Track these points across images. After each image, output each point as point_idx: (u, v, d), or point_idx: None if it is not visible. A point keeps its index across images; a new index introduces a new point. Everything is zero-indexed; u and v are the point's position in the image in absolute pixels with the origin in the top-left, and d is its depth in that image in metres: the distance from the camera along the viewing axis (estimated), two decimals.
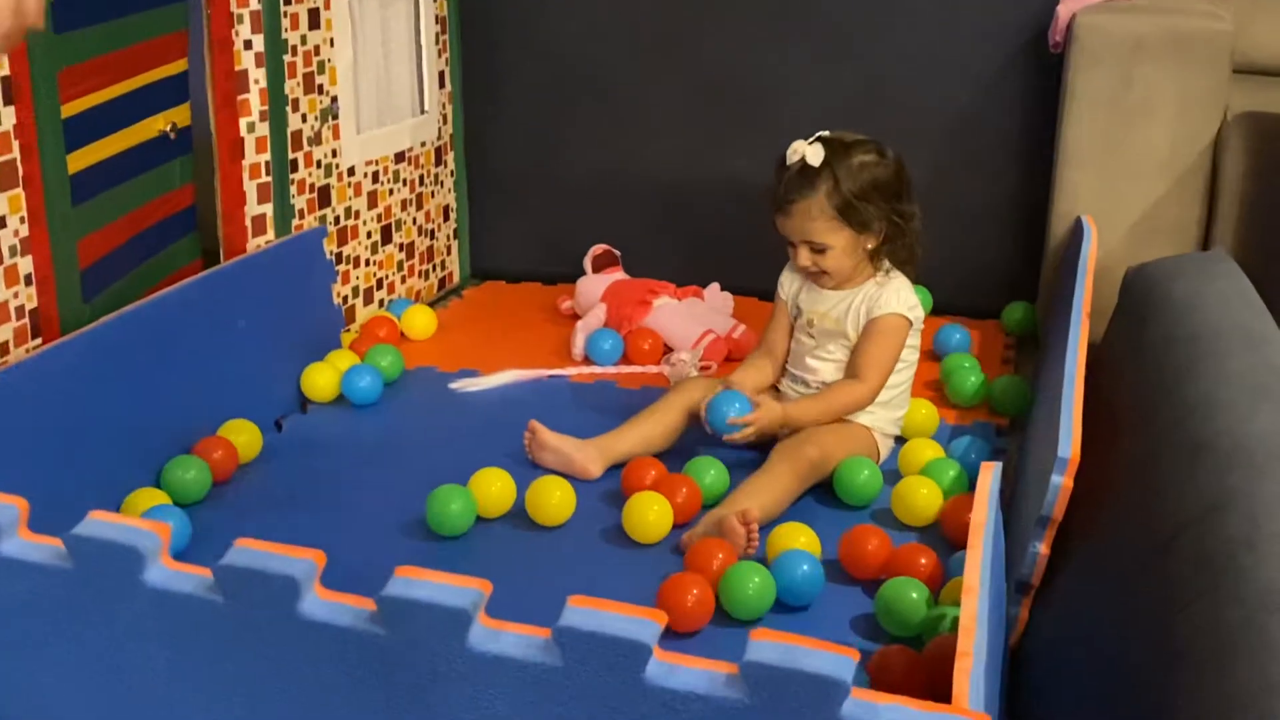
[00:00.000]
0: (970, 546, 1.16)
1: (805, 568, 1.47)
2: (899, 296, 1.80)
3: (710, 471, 1.72)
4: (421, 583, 0.87)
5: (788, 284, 1.90)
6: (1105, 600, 1.14)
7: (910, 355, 1.84)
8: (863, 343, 1.80)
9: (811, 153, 1.74)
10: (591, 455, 1.79)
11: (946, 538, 1.62)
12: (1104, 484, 1.30)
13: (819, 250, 1.77)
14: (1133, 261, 2.10)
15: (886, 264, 1.82)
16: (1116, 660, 1.03)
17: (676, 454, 1.81)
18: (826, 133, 1.78)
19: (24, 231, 1.61)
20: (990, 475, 1.29)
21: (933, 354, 2.21)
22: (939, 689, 1.29)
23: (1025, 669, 1.30)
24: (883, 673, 1.29)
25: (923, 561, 1.49)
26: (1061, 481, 1.30)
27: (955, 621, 1.35)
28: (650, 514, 1.61)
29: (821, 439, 1.75)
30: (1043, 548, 1.33)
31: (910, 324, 1.81)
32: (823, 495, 1.75)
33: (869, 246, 1.79)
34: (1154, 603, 1.02)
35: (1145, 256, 1.97)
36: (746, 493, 1.65)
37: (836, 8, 2.45)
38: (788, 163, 1.77)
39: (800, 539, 1.55)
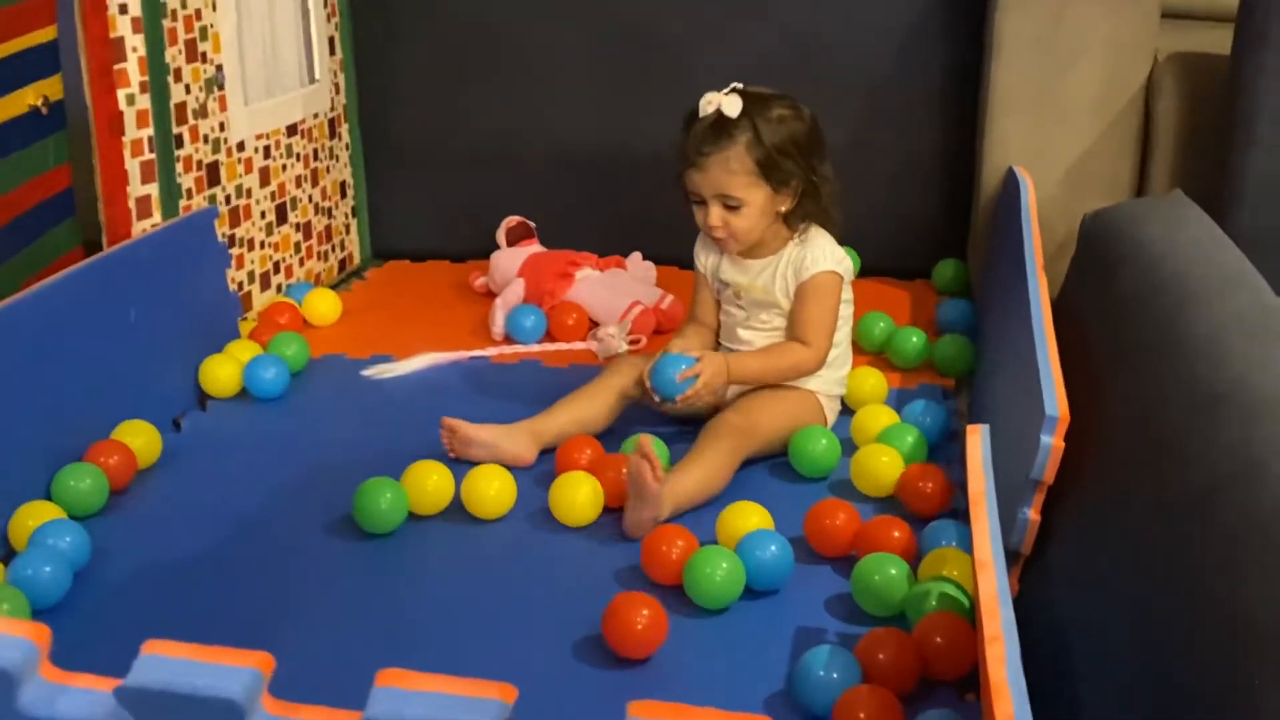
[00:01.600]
0: (974, 518, 1.08)
1: (774, 549, 1.36)
2: (824, 252, 1.70)
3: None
4: (419, 695, 0.64)
5: (704, 256, 1.79)
6: (1120, 569, 1.06)
7: (845, 310, 1.75)
8: (798, 306, 1.71)
9: (728, 103, 1.63)
10: (522, 441, 1.67)
11: (907, 508, 1.53)
12: (1096, 442, 1.22)
13: (732, 207, 1.66)
14: (1067, 211, 2.04)
15: (803, 225, 1.72)
16: (1156, 639, 0.94)
17: (613, 436, 1.70)
18: (740, 85, 1.67)
19: None
20: (979, 439, 1.21)
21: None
22: (935, 671, 1.20)
23: (1025, 647, 1.21)
24: (872, 659, 1.19)
25: (896, 535, 1.40)
26: (1052, 442, 1.21)
27: (943, 597, 1.26)
28: (580, 495, 1.51)
29: (754, 406, 1.66)
30: (1032, 514, 1.25)
31: (842, 278, 1.72)
32: (776, 469, 1.65)
33: (782, 209, 1.68)
34: (1188, 572, 0.93)
35: (1081, 205, 1.91)
36: (679, 472, 1.54)
37: None
38: (700, 114, 1.65)
39: (753, 519, 1.44)
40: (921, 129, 2.37)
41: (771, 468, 1.66)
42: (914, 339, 1.96)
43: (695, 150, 1.64)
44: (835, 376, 1.77)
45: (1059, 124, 2.08)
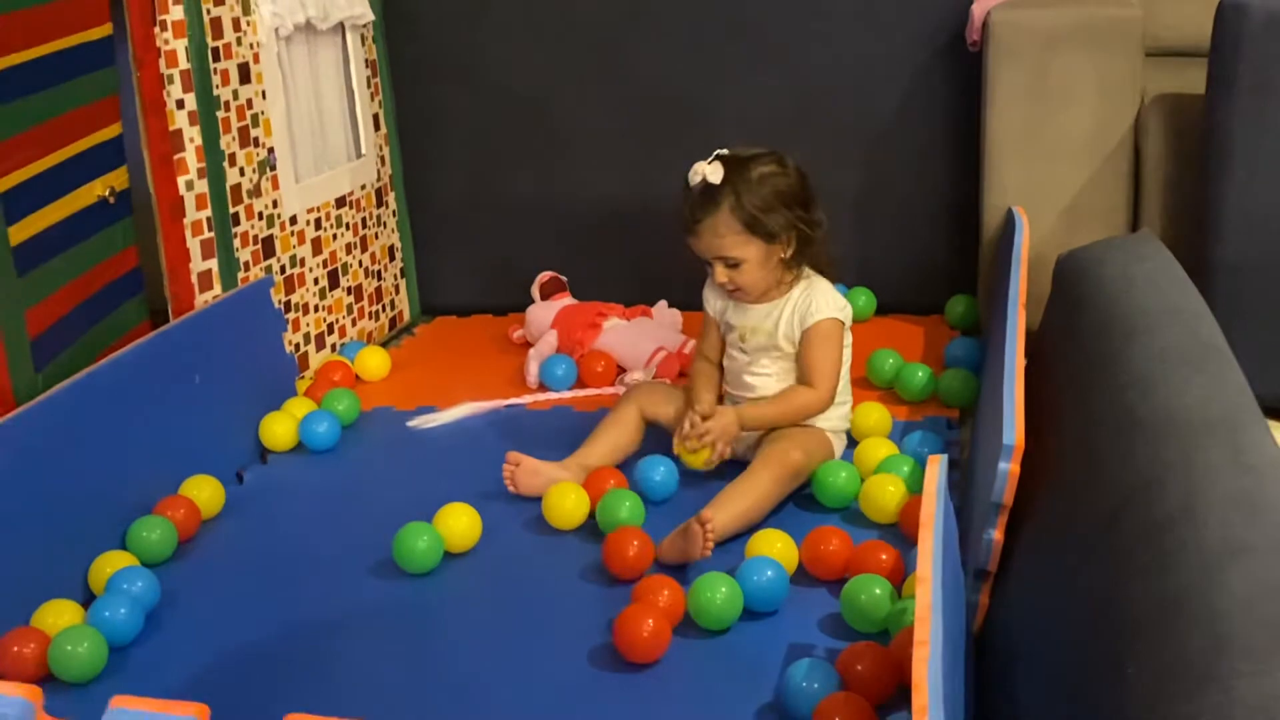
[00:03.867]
0: (921, 539, 1.20)
1: (770, 573, 1.50)
2: (827, 300, 1.83)
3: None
4: None
5: (713, 299, 1.92)
6: (1056, 580, 1.17)
7: (845, 352, 1.87)
8: (805, 352, 1.83)
9: (711, 171, 1.77)
10: (573, 473, 1.83)
11: (905, 535, 1.65)
12: (1047, 467, 1.34)
13: (733, 265, 1.80)
14: (1066, 248, 2.15)
15: (805, 270, 1.85)
16: (1069, 637, 1.06)
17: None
18: (725, 150, 1.81)
19: None
20: (937, 468, 1.33)
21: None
22: (909, 680, 1.32)
23: (990, 654, 1.33)
24: (851, 670, 1.31)
25: (883, 558, 1.52)
26: (1009, 468, 1.33)
27: None
28: (567, 502, 1.71)
29: (801, 441, 1.78)
30: (996, 534, 1.37)
31: (843, 324, 1.84)
32: (793, 498, 1.78)
33: (782, 256, 1.81)
34: (1100, 579, 1.05)
35: (1077, 242, 2.02)
36: (723, 498, 1.68)
37: (764, 22, 2.49)
38: (690, 184, 1.80)
39: (777, 545, 1.58)
40: (931, 172, 2.50)
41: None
42: (919, 374, 2.08)
43: (690, 219, 1.80)
44: (839, 413, 1.89)
45: (1053, 166, 2.19)
